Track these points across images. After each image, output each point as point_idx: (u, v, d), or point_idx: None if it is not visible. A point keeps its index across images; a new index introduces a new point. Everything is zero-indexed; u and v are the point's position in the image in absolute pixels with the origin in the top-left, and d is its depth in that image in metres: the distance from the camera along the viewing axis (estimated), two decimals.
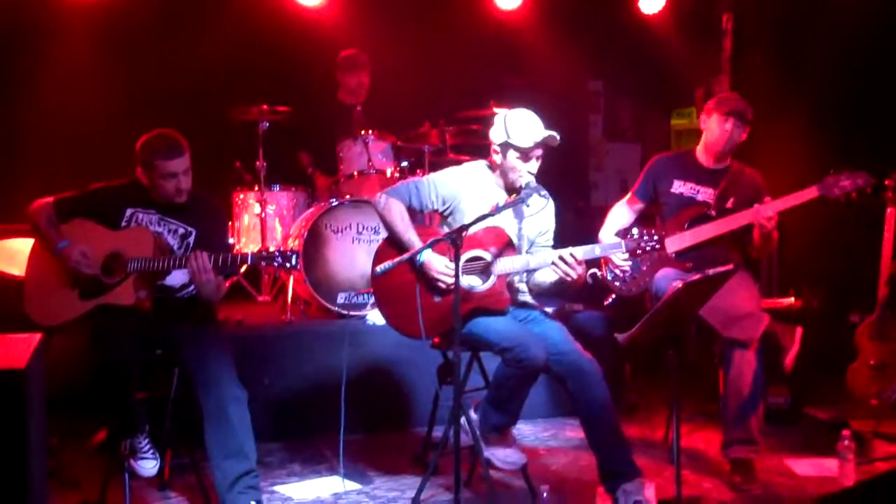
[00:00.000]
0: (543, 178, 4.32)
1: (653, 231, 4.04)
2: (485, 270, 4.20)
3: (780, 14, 6.55)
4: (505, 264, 4.17)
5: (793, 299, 5.47)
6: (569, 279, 4.05)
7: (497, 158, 4.28)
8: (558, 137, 4.17)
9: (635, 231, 4.10)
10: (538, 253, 4.25)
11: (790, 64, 6.43)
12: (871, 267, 5.09)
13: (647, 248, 4.04)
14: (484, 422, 4.23)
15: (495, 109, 6.29)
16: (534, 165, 4.24)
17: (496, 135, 4.26)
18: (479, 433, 4.19)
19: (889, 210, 4.99)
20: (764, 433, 4.58)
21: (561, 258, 4.02)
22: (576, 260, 4.02)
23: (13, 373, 2.95)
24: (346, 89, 6.63)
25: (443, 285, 4.14)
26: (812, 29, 6.30)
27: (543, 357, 4.02)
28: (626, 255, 4.25)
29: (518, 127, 4.19)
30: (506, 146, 4.22)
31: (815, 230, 5.80)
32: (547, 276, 4.25)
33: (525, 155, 4.20)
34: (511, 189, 4.30)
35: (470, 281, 4.19)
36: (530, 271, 4.31)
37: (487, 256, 4.19)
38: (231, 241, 6.20)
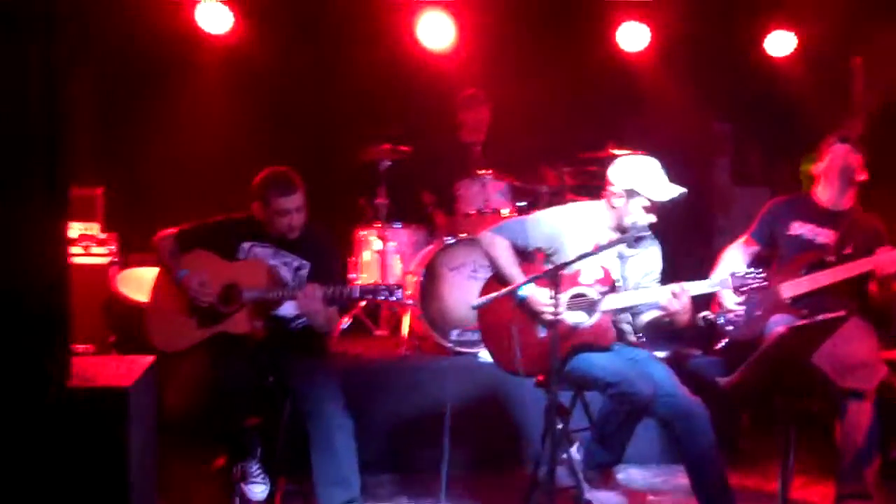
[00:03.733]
0: (667, 222, 4.29)
1: (760, 269, 3.97)
2: (589, 307, 4.19)
3: None
4: (610, 301, 4.16)
5: None
6: (676, 316, 4.00)
7: (617, 202, 4.24)
8: (686, 193, 4.15)
9: (742, 268, 4.04)
10: (640, 291, 4.21)
11: None
12: None
13: (753, 285, 3.97)
14: (588, 460, 4.20)
15: (614, 151, 6.29)
16: (653, 216, 4.22)
17: (623, 180, 4.21)
18: (580, 473, 4.16)
19: None
20: (882, 489, 4.38)
21: (671, 293, 3.98)
22: (683, 295, 3.97)
23: (118, 390, 3.10)
24: (468, 127, 6.70)
25: (547, 318, 4.14)
26: None
27: (649, 393, 3.97)
28: (739, 299, 4.19)
29: (649, 178, 4.16)
30: (632, 193, 4.18)
31: None
32: (651, 316, 4.21)
33: (652, 206, 4.18)
34: (620, 230, 4.28)
35: (575, 317, 4.18)
36: (635, 311, 4.27)
37: (591, 293, 4.18)
38: (352, 276, 6.38)
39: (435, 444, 5.04)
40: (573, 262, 3.97)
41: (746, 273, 4.02)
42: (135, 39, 6.56)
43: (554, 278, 3.78)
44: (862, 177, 4.72)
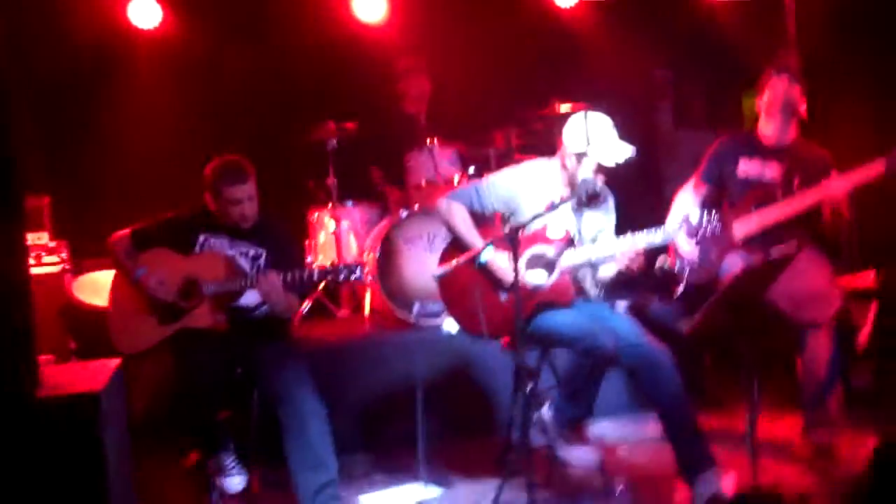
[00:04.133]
0: (613, 173, 4.30)
1: (713, 211, 4.02)
2: (548, 265, 4.22)
3: None
4: (568, 258, 4.20)
5: (872, 276, 5.33)
6: (633, 268, 4.05)
7: (569, 163, 4.28)
8: (635, 155, 4.18)
9: (695, 214, 4.09)
10: (598, 245, 4.25)
11: (855, 39, 6.27)
12: None
13: (708, 230, 4.01)
14: (559, 417, 4.25)
15: (559, 107, 6.32)
16: (602, 177, 4.26)
17: (574, 142, 4.24)
18: (553, 431, 4.21)
19: None
20: (847, 416, 4.49)
21: (625, 247, 4.05)
22: (637, 248, 4.02)
23: (91, 396, 3.09)
24: (409, 98, 6.68)
25: (507, 281, 4.17)
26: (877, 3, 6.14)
27: (612, 346, 4.03)
28: (693, 244, 4.24)
29: (601, 140, 4.19)
30: (583, 156, 4.22)
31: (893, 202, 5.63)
32: (609, 270, 4.26)
33: (601, 168, 4.21)
34: (573, 187, 4.31)
35: (535, 277, 4.22)
36: (593, 265, 4.32)
37: (549, 251, 4.21)
38: (308, 259, 6.36)
39: (405, 419, 5.10)
40: (528, 222, 4.00)
41: (701, 219, 4.06)
42: (67, 41, 6.44)
43: (512, 241, 3.80)
44: (803, 107, 4.76)
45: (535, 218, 4.02)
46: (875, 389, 5.18)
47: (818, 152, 4.81)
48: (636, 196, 4.56)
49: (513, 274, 3.98)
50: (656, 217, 4.60)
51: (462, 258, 4.09)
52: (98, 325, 4.77)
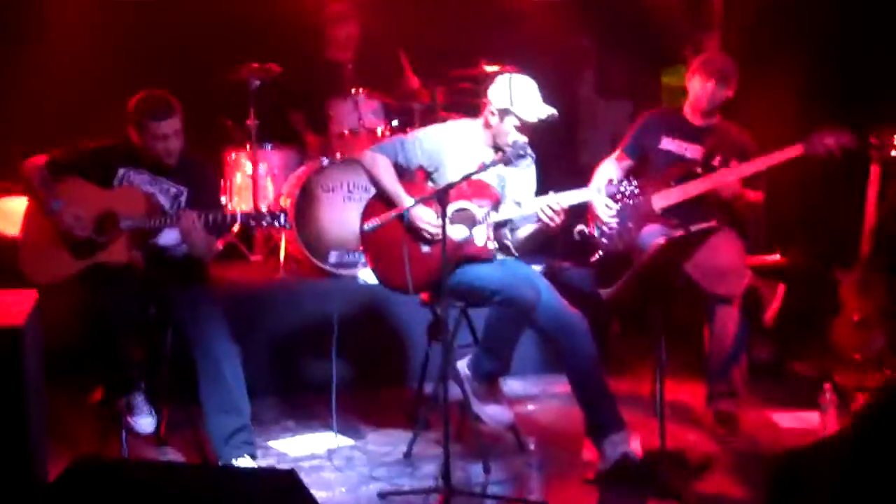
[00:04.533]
0: (532, 135, 4.35)
1: (632, 178, 4.12)
2: (471, 221, 4.27)
3: None
4: (490, 215, 4.25)
5: (778, 256, 5.54)
6: (551, 225, 4.13)
7: (492, 120, 4.32)
8: (556, 115, 4.24)
9: (617, 177, 4.19)
10: (523, 203, 4.31)
11: (780, 21, 6.43)
12: (855, 223, 5.15)
13: (626, 193, 4.12)
14: (475, 370, 4.30)
15: (486, 68, 6.32)
16: (524, 135, 4.30)
17: (497, 99, 4.29)
18: (468, 387, 4.28)
19: (873, 168, 5.04)
20: (748, 388, 4.68)
21: (546, 205, 4.10)
22: (559, 207, 4.09)
23: (12, 330, 3.01)
24: (336, 44, 6.57)
25: (428, 235, 4.22)
26: None
27: (534, 296, 4.10)
28: (612, 212, 4.33)
29: (524, 98, 4.24)
30: (506, 112, 4.26)
31: (801, 187, 5.84)
32: (528, 230, 4.34)
33: (523, 125, 4.25)
34: (497, 147, 4.35)
35: (457, 231, 4.26)
36: (513, 224, 4.38)
37: (473, 207, 4.26)
38: (223, 200, 6.26)
39: (318, 367, 5.11)
40: (460, 181, 4.02)
41: (620, 183, 4.16)
42: None
43: (442, 199, 3.82)
44: (729, 94, 4.89)
45: (467, 177, 4.05)
46: (776, 364, 5.40)
47: (740, 134, 4.97)
48: (554, 160, 4.63)
49: (437, 229, 4.03)
50: (573, 182, 4.65)
51: (393, 213, 4.10)
52: (6, 253, 4.65)
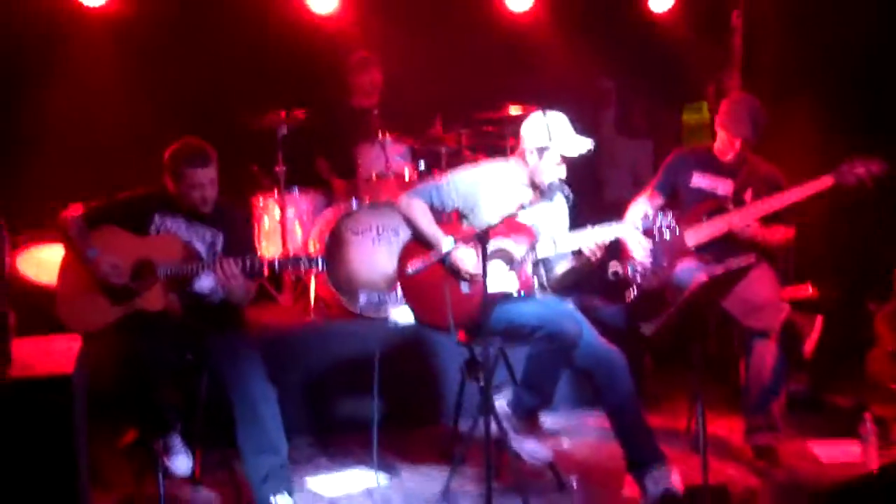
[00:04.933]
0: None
1: (667, 211, 4.14)
2: (510, 260, 4.30)
3: (791, 9, 6.60)
4: (529, 254, 4.29)
5: (811, 288, 5.53)
6: (592, 260, 4.19)
7: (531, 159, 4.36)
8: (594, 146, 4.30)
9: (650, 212, 4.21)
10: (560, 240, 4.34)
11: (800, 58, 6.49)
12: (888, 255, 5.16)
13: (663, 229, 4.13)
14: (516, 406, 4.29)
15: (510, 110, 6.39)
16: (564, 170, 4.36)
17: (534, 137, 4.34)
18: (507, 424, 4.27)
19: None
20: (786, 421, 4.65)
21: (592, 241, 4.17)
22: (599, 243, 4.15)
23: (63, 378, 3.03)
24: (361, 91, 6.69)
25: (468, 276, 4.25)
26: (822, 24, 6.35)
27: (577, 330, 4.12)
28: (647, 250, 4.35)
29: (563, 133, 4.31)
30: (544, 149, 4.31)
31: (831, 218, 5.85)
32: (563, 268, 4.39)
33: (563, 160, 4.31)
34: (534, 186, 4.39)
35: (497, 269, 4.28)
36: (550, 262, 4.41)
37: (511, 246, 4.29)
38: None
39: (350, 406, 5.19)
40: (498, 222, 4.05)
41: (656, 216, 4.19)
42: (12, 16, 6.26)
43: (483, 239, 3.84)
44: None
45: (505, 217, 4.08)
46: (813, 397, 5.38)
47: (769, 168, 4.98)
48: (578, 199, 4.66)
49: (478, 269, 4.05)
50: (596, 220, 4.69)
51: (434, 255, 4.13)
52: (41, 301, 4.68)
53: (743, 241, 4.77)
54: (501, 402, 4.34)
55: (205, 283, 4.47)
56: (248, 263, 4.28)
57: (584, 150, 4.28)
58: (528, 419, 4.30)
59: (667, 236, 4.19)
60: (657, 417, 5.29)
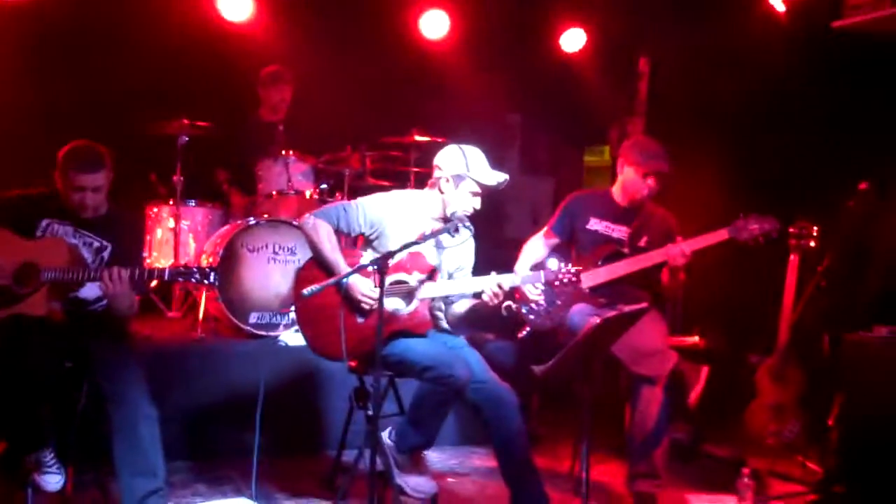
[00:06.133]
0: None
1: (569, 265, 4.17)
2: (408, 294, 4.26)
3: (696, 59, 6.76)
4: (428, 289, 4.26)
5: (697, 338, 5.65)
6: (493, 303, 4.17)
7: (446, 187, 4.34)
8: (508, 179, 4.32)
9: (553, 263, 4.22)
10: (459, 281, 4.32)
11: (703, 108, 6.64)
12: (771, 310, 5.28)
13: (565, 280, 4.15)
14: (400, 442, 4.26)
15: (417, 137, 6.38)
16: (479, 202, 4.36)
17: (450, 165, 4.32)
18: (392, 458, 4.22)
19: (791, 257, 5.20)
20: (667, 469, 4.70)
21: (496, 284, 4.14)
22: (501, 289, 4.12)
23: None
24: (268, 106, 6.62)
25: (366, 307, 4.19)
26: (725, 75, 6.51)
27: (466, 375, 4.09)
28: (541, 290, 4.37)
29: (481, 164, 4.31)
30: (460, 178, 4.29)
31: (719, 271, 5.98)
32: (463, 306, 4.35)
33: (478, 192, 4.30)
34: (445, 220, 4.37)
35: (393, 304, 4.24)
36: (450, 298, 4.38)
37: (411, 280, 4.26)
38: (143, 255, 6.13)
39: (232, 432, 5.03)
40: (398, 251, 4.01)
41: (559, 271, 4.19)
42: None
43: (381, 269, 3.79)
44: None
45: (405, 247, 4.04)
46: (693, 446, 5.47)
47: (665, 216, 5.07)
48: (479, 234, 4.68)
49: (374, 299, 4.00)
50: (497, 255, 4.71)
51: (332, 279, 4.05)
52: None
53: (634, 286, 4.84)
54: (387, 436, 4.30)
55: (89, 290, 4.33)
56: (135, 273, 4.14)
57: (501, 180, 4.29)
58: (411, 455, 4.26)
59: (568, 287, 4.21)
60: (541, 458, 5.23)
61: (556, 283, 4.16)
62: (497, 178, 4.29)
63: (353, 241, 4.54)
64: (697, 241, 4.79)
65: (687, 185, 5.94)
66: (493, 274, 4.18)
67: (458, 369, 4.07)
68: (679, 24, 6.68)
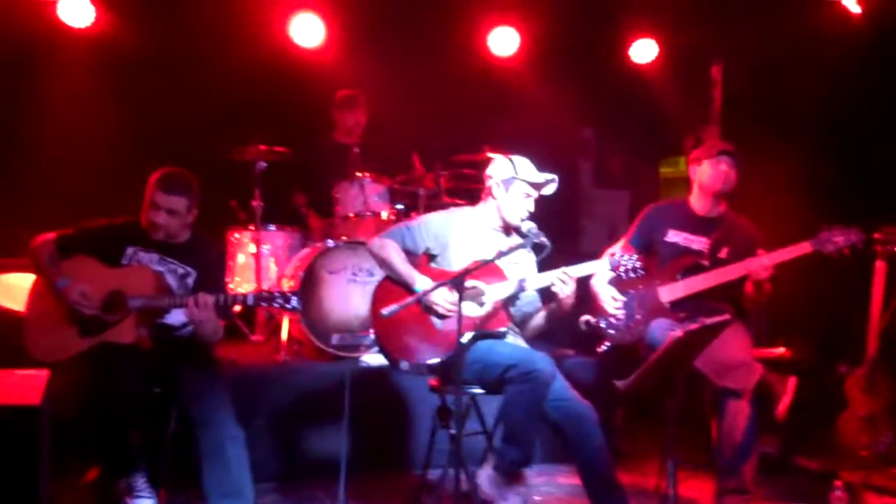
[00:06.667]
0: (537, 220, 4.40)
1: (633, 252, 4.14)
2: (481, 297, 4.29)
3: (770, 65, 6.67)
4: (498, 289, 4.30)
5: (783, 349, 5.54)
6: (563, 302, 4.21)
7: (498, 192, 4.41)
8: (557, 180, 4.38)
9: (617, 251, 4.22)
10: (526, 276, 4.35)
11: (779, 114, 6.54)
12: (859, 318, 5.16)
13: (629, 267, 4.14)
14: (499, 463, 4.23)
15: (489, 154, 6.39)
16: (532, 204, 4.40)
17: (500, 171, 4.43)
18: (493, 490, 4.20)
19: (878, 263, 5.07)
20: (757, 484, 4.62)
21: (562, 273, 4.18)
22: (568, 276, 4.17)
23: (30, 409, 2.97)
24: (343, 129, 6.71)
25: (442, 310, 4.24)
26: (800, 80, 6.41)
27: (550, 369, 4.10)
28: (618, 304, 4.35)
29: (528, 167, 4.42)
30: (511, 181, 4.37)
31: (803, 280, 5.84)
32: (537, 314, 4.46)
33: (529, 192, 4.36)
34: (506, 229, 4.44)
35: (469, 308, 4.26)
36: (521, 308, 4.45)
37: (482, 285, 4.29)
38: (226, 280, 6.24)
39: (317, 451, 5.07)
40: (475, 268, 4.04)
41: (622, 257, 4.19)
42: None
43: (459, 286, 3.82)
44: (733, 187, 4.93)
45: (483, 264, 4.06)
46: (783, 459, 5.36)
47: (747, 227, 4.98)
48: (555, 247, 4.66)
49: (452, 307, 4.08)
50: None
51: (412, 299, 4.10)
52: (10, 330, 4.58)
53: (716, 299, 4.77)
54: (487, 470, 4.27)
55: (175, 316, 4.41)
56: (220, 299, 4.22)
57: (549, 177, 4.36)
58: (513, 474, 4.22)
59: (633, 275, 4.18)
60: (626, 474, 5.20)
61: (620, 267, 4.14)
62: (545, 176, 4.37)
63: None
64: (780, 253, 4.68)
65: (764, 193, 5.86)
66: (561, 268, 4.20)
67: (540, 363, 4.09)
68: (751, 28, 6.60)
